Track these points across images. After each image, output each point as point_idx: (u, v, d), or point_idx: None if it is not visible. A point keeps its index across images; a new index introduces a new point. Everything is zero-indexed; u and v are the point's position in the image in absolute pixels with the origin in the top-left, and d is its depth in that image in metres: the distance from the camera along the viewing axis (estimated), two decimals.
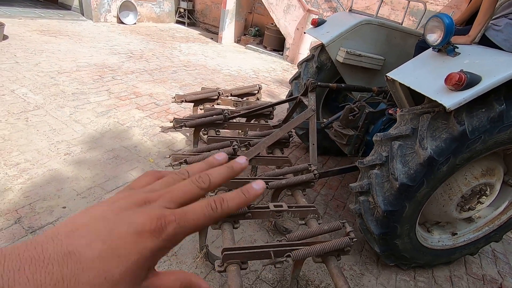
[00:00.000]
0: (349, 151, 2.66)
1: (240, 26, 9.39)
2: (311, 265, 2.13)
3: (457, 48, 1.65)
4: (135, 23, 8.94)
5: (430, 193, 1.77)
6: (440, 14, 1.58)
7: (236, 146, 2.10)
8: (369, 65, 2.83)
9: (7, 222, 1.95)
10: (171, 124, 2.64)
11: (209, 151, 2.12)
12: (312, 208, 1.79)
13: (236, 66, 6.79)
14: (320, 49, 2.97)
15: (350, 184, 2.10)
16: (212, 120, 2.51)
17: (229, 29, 8.94)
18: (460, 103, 1.43)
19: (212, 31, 10.15)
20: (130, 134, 3.23)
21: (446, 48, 1.67)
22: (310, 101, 2.33)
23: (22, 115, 3.14)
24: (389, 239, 1.92)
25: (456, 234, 2.25)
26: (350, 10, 3.07)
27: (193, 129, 2.62)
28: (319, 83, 2.38)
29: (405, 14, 3.23)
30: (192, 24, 10.75)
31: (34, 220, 2.00)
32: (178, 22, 10.55)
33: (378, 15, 2.90)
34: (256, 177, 2.02)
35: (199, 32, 9.85)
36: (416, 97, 1.97)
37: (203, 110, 2.98)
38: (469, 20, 2.41)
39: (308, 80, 2.38)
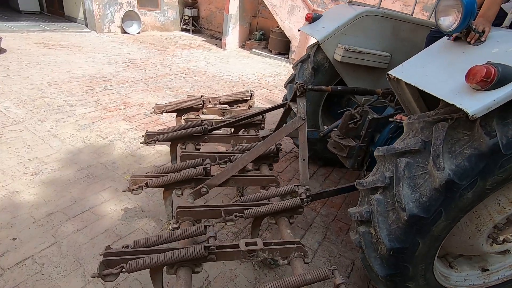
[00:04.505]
0: (351, 164, 2.25)
1: (244, 31, 9.14)
2: None
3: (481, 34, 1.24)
4: (139, 33, 8.88)
5: (451, 226, 1.34)
6: None
7: (208, 165, 1.75)
8: (373, 64, 2.42)
9: None
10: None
11: (177, 171, 1.78)
12: (297, 245, 1.41)
13: (238, 71, 6.49)
14: (316, 48, 2.60)
15: (348, 209, 1.70)
16: (189, 133, 2.19)
17: (233, 34, 8.70)
18: (489, 108, 1.02)
19: (217, 37, 9.96)
20: (110, 149, 2.96)
21: (466, 34, 1.27)
22: (300, 107, 1.96)
23: None
24: (399, 281, 1.50)
25: (488, 270, 1.78)
26: (350, 2, 2.68)
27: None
28: (309, 87, 2.00)
29: (415, 3, 2.81)
30: (197, 31, 10.62)
31: None
32: (183, 29, 10.45)
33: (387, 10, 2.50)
34: (233, 203, 1.65)
35: (204, 39, 9.69)
36: (428, 100, 1.56)
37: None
38: None
39: (296, 83, 2.01)
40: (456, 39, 1.33)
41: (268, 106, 4.84)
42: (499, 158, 1.14)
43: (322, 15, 2.65)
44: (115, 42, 7.36)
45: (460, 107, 1.06)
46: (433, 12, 2.86)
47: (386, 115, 2.15)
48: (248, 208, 1.57)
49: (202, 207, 1.54)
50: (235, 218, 1.55)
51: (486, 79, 1.00)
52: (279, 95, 5.34)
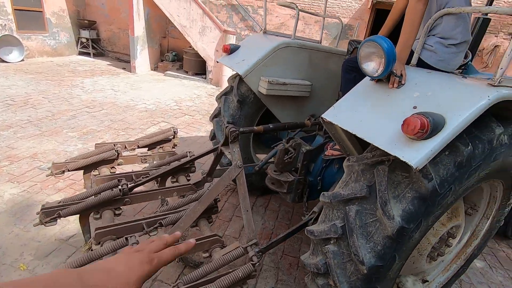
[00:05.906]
0: (292, 199, 2.19)
1: (155, 52, 8.61)
2: None
3: (400, 76, 1.30)
4: (22, 60, 7.42)
5: (403, 264, 1.36)
6: (375, 38, 1.21)
7: (134, 245, 1.41)
8: (296, 93, 2.44)
9: None
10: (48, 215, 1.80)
11: (88, 262, 1.38)
12: None
13: (153, 98, 5.99)
14: (239, 80, 2.49)
15: (301, 257, 1.59)
16: (103, 200, 1.77)
17: (142, 57, 8.08)
18: (428, 158, 1.04)
19: (125, 60, 9.11)
20: None
21: (387, 77, 1.31)
22: (234, 154, 1.79)
23: None
24: None
25: (427, 281, 1.92)
26: (265, 32, 2.68)
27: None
28: (241, 130, 1.86)
29: (322, 31, 2.99)
30: (100, 54, 9.54)
31: None
32: (81, 53, 9.24)
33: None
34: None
35: (108, 63, 8.73)
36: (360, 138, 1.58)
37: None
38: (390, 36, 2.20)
39: (227, 127, 1.84)
40: (378, 80, 1.37)
41: (193, 134, 4.56)
42: (437, 197, 1.18)
43: (239, 46, 2.57)
44: None
45: (403, 160, 1.05)
46: (338, 39, 3.11)
47: (318, 145, 2.16)
48: None
49: None
50: None
51: (422, 130, 1.01)
52: (202, 121, 5.10)
